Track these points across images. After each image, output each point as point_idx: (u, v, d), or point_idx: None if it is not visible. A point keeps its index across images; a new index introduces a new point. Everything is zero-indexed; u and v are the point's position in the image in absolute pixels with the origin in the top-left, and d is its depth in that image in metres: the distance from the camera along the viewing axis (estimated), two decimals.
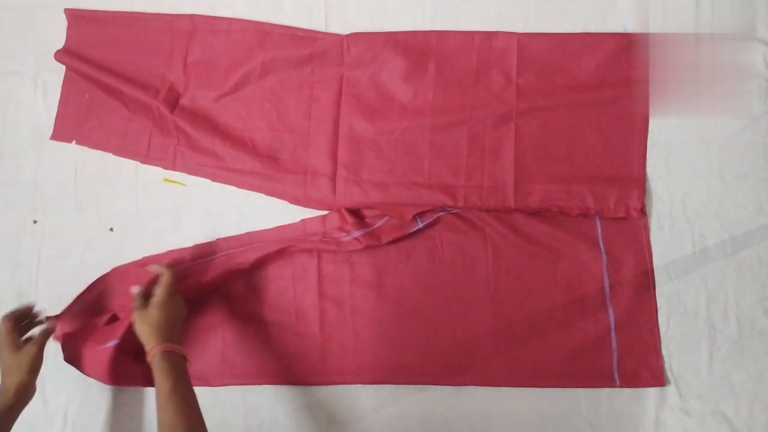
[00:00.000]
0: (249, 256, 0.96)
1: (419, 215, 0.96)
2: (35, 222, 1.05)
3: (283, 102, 1.03)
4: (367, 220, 0.98)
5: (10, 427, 0.79)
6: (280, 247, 0.96)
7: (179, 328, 0.85)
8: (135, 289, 0.87)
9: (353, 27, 1.04)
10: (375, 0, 1.04)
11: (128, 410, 0.98)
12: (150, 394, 0.98)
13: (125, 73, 1.06)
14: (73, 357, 0.94)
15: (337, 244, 0.95)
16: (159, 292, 0.85)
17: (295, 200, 1.00)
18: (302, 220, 1.00)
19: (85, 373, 0.94)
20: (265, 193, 1.01)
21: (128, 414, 0.98)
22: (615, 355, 0.92)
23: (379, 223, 0.97)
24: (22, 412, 0.83)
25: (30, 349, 0.84)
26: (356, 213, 0.99)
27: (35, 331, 0.90)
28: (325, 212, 1.00)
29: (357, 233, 0.95)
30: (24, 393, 0.81)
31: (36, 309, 0.91)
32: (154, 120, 1.04)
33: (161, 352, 0.78)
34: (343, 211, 0.98)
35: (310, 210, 1.00)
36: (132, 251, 1.01)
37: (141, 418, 0.98)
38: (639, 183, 0.96)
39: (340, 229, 0.97)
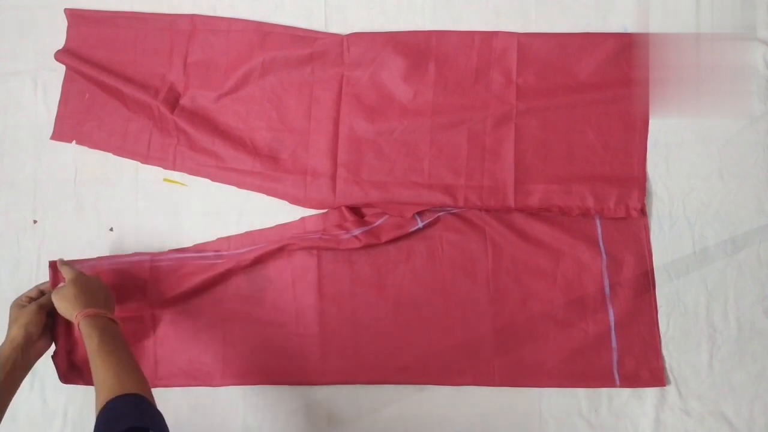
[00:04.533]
0: (249, 255, 0.96)
1: (419, 214, 0.96)
2: (35, 222, 1.05)
3: (283, 102, 1.03)
4: (366, 218, 0.99)
5: (12, 380, 0.81)
6: (280, 245, 0.96)
7: (102, 295, 0.86)
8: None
9: (353, 27, 1.04)
10: (375, 0, 1.04)
11: None
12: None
13: (125, 73, 1.06)
14: (68, 375, 0.95)
15: (336, 242, 0.95)
16: (67, 273, 0.88)
17: (295, 200, 1.00)
18: (302, 218, 1.00)
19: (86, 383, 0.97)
20: (265, 193, 1.01)
21: None
22: (615, 355, 0.92)
23: (378, 222, 0.97)
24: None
25: (30, 307, 0.88)
26: (356, 211, 0.99)
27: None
28: (325, 211, 1.00)
29: (356, 231, 0.96)
30: (20, 346, 0.83)
31: None
32: (154, 120, 1.04)
33: (83, 317, 0.80)
34: (343, 208, 0.98)
35: (311, 210, 1.01)
36: (132, 251, 1.01)
37: None
38: (639, 183, 0.96)
39: (340, 226, 0.97)
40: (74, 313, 0.82)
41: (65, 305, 0.83)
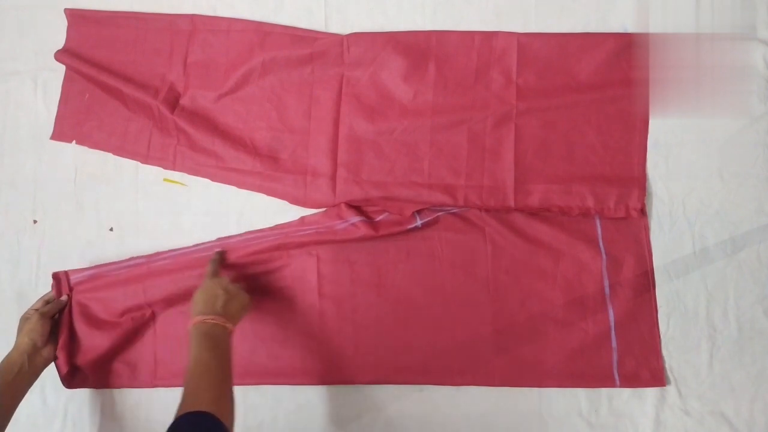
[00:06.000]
0: (245, 251, 0.96)
1: (418, 213, 0.96)
2: (35, 222, 1.05)
3: (283, 102, 1.03)
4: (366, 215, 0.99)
5: (19, 384, 0.85)
6: (277, 242, 0.96)
7: (221, 300, 0.84)
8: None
9: (353, 27, 1.04)
10: (375, 0, 1.04)
11: (128, 410, 0.98)
12: (148, 394, 0.98)
13: (125, 73, 1.06)
14: (71, 380, 0.96)
15: (332, 233, 0.95)
16: (208, 271, 0.90)
17: (295, 200, 1.00)
18: (302, 218, 1.00)
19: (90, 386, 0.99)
20: (265, 193, 1.01)
21: (128, 414, 0.98)
22: (615, 355, 0.92)
23: (378, 218, 0.97)
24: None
25: (33, 317, 0.91)
26: (356, 209, 0.98)
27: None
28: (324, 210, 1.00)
29: (354, 219, 0.95)
30: (26, 353, 0.87)
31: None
32: (154, 120, 1.04)
33: (191, 326, 0.81)
34: (343, 205, 0.98)
35: (310, 210, 1.01)
36: (132, 251, 1.01)
37: (141, 418, 0.98)
38: (639, 183, 0.96)
39: (337, 216, 0.97)
40: (191, 319, 0.83)
41: (192, 307, 0.84)
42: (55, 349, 0.93)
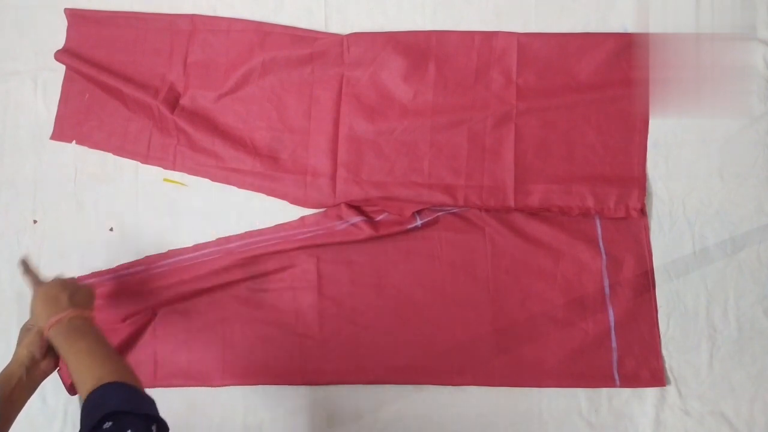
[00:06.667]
0: (246, 254, 0.96)
1: (418, 213, 0.96)
2: (35, 222, 1.05)
3: (283, 102, 1.03)
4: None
5: (17, 396, 0.83)
6: (277, 248, 0.96)
7: (65, 295, 0.83)
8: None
9: (353, 27, 1.04)
10: (375, 0, 1.04)
11: None
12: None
13: (125, 73, 1.06)
14: (74, 388, 0.95)
15: (333, 234, 0.95)
16: (30, 286, 0.88)
17: (295, 200, 1.00)
18: (301, 218, 1.00)
19: None
20: (265, 193, 1.01)
21: None
22: (615, 355, 0.92)
23: (378, 219, 0.97)
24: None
25: (33, 329, 0.89)
26: (356, 209, 0.99)
27: None
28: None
29: (355, 219, 0.96)
30: (24, 365, 0.85)
31: None
32: (154, 120, 1.04)
33: (47, 331, 0.80)
34: (342, 205, 0.98)
35: (310, 210, 1.01)
36: (132, 251, 1.02)
37: None
38: (639, 183, 0.96)
39: (337, 217, 0.97)
40: (41, 328, 0.82)
41: (38, 322, 0.83)
42: (55, 362, 0.89)
